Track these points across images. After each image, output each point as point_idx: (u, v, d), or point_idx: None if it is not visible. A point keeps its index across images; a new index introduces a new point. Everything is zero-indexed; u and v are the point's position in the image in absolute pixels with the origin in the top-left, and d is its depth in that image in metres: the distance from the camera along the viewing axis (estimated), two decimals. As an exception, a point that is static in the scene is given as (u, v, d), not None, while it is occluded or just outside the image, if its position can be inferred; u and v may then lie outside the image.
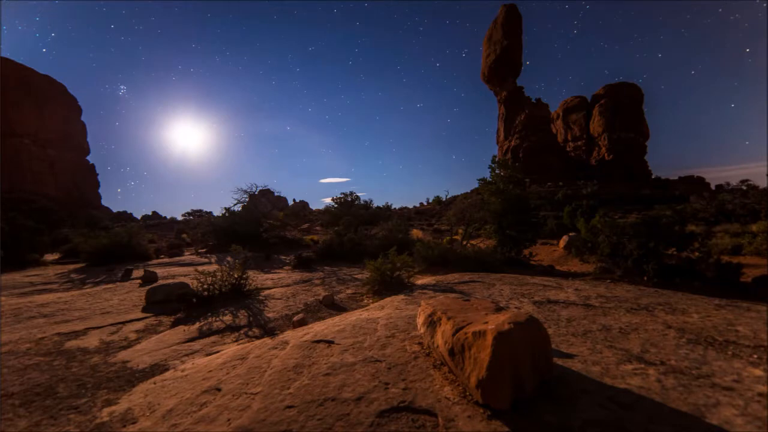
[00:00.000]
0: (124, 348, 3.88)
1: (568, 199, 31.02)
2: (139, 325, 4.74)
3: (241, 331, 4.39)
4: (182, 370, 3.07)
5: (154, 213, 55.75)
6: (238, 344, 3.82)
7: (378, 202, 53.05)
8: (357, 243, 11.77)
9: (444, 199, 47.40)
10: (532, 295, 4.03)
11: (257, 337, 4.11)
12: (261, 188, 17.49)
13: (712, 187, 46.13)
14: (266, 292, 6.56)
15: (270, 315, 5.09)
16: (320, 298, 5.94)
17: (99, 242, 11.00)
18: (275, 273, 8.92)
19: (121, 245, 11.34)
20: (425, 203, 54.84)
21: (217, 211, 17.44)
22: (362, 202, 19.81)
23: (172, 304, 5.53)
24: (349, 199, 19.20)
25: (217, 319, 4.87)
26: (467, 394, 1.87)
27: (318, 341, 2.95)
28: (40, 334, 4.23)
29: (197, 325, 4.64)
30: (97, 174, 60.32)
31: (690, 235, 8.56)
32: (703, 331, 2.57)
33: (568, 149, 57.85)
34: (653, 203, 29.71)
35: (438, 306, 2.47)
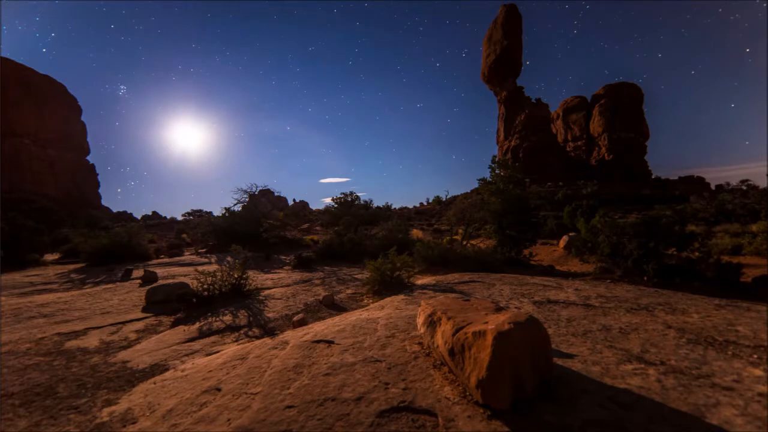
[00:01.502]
0: (124, 348, 3.88)
1: (568, 199, 31.02)
2: (139, 325, 4.74)
3: (241, 331, 4.39)
4: (182, 370, 3.07)
5: (154, 213, 55.76)
6: (238, 344, 3.82)
7: (378, 202, 53.09)
8: (357, 243, 11.77)
9: (444, 199, 47.40)
10: (532, 295, 4.03)
11: (257, 337, 4.11)
12: (261, 188, 17.50)
13: (712, 187, 46.14)
14: (266, 292, 6.56)
15: (270, 315, 5.09)
16: (320, 298, 5.94)
17: (99, 242, 11.00)
18: (275, 273, 8.92)
19: (121, 245, 11.34)
20: (425, 203, 54.85)
21: (217, 211, 17.45)
22: (362, 202, 19.82)
23: (172, 304, 5.53)
24: (349, 199, 19.20)
25: (217, 319, 4.87)
26: (467, 394, 1.87)
27: (318, 341, 2.95)
28: (40, 334, 4.23)
29: (197, 325, 4.64)
30: (97, 174, 60.41)
31: (690, 235, 8.55)
32: (703, 331, 2.57)
33: (568, 149, 57.85)
34: (653, 203, 29.71)
35: (438, 306, 2.47)
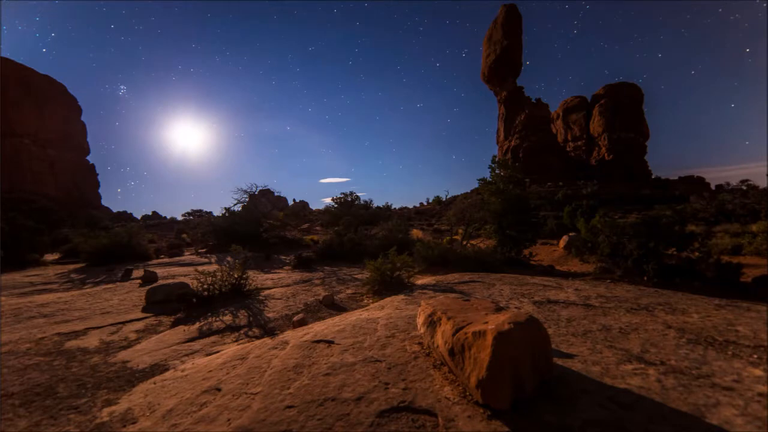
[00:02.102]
0: (124, 348, 3.88)
1: (568, 199, 31.03)
2: (139, 325, 4.74)
3: (241, 331, 4.39)
4: (182, 370, 3.07)
5: (154, 213, 55.76)
6: (238, 344, 3.82)
7: (378, 202, 53.12)
8: (357, 243, 11.77)
9: (444, 199, 47.40)
10: (532, 295, 4.03)
11: (257, 337, 4.11)
12: (261, 188, 17.50)
13: (712, 187, 46.14)
14: (266, 292, 6.56)
15: (270, 315, 5.09)
16: (320, 298, 5.94)
17: (99, 242, 11.00)
18: (275, 273, 8.92)
19: (121, 245, 11.34)
20: (425, 203, 54.85)
21: (217, 211, 17.45)
22: (362, 202, 19.82)
23: (172, 304, 5.53)
24: (349, 199, 19.20)
25: (217, 319, 4.87)
26: (467, 394, 1.87)
27: (318, 341, 2.95)
28: (40, 334, 4.23)
29: (197, 325, 4.64)
30: (97, 174, 60.40)
31: (690, 235, 8.55)
32: (703, 331, 2.57)
33: (568, 149, 57.84)
34: (653, 203, 29.71)
35: (438, 306, 2.47)
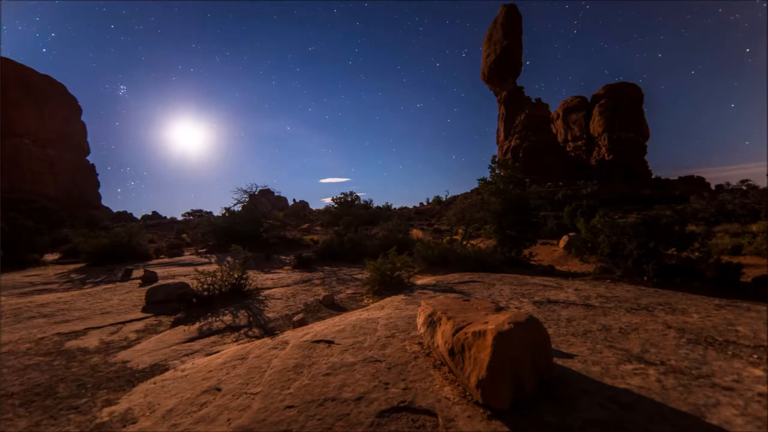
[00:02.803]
0: (124, 348, 3.88)
1: (568, 199, 31.02)
2: (139, 325, 4.74)
3: (241, 331, 4.39)
4: (182, 370, 3.07)
5: (154, 213, 55.75)
6: (238, 344, 3.82)
7: (378, 202, 53.15)
8: (357, 243, 11.76)
9: (444, 199, 47.41)
10: (532, 295, 4.03)
11: (257, 337, 4.11)
12: (261, 188, 17.50)
13: (712, 187, 46.13)
14: (266, 292, 6.56)
15: (270, 315, 5.09)
16: (320, 298, 5.94)
17: (99, 242, 11.00)
18: (275, 273, 8.92)
19: (121, 245, 11.34)
20: (425, 203, 54.85)
21: (217, 211, 17.46)
22: (362, 202, 19.84)
23: (172, 304, 5.53)
24: (349, 199, 19.22)
25: (217, 319, 4.87)
26: (467, 394, 1.87)
27: (318, 341, 2.95)
28: (40, 334, 4.23)
29: (197, 325, 4.64)
30: (97, 174, 60.39)
31: (690, 235, 8.55)
32: (703, 331, 2.57)
33: (568, 149, 57.84)
34: (653, 203, 29.70)
35: (438, 306, 2.47)
